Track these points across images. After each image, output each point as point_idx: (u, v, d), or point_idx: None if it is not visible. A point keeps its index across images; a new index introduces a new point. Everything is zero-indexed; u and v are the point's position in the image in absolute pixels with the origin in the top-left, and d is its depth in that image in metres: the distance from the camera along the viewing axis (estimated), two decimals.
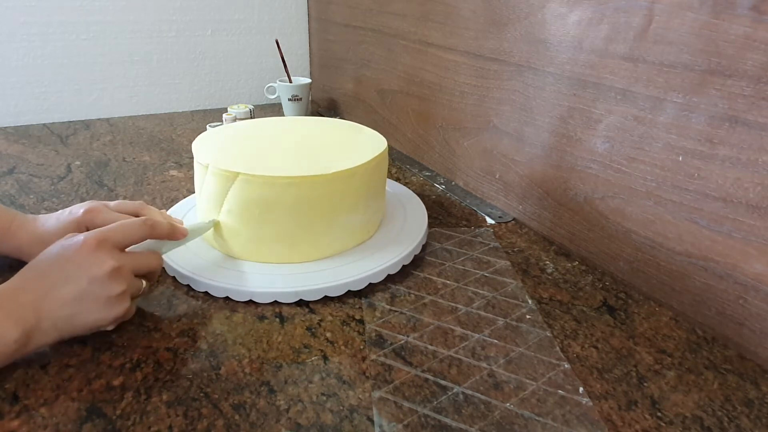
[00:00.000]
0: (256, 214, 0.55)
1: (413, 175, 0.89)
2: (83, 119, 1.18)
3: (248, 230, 0.56)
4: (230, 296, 0.53)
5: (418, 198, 0.73)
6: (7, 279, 0.55)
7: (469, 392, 0.43)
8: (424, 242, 0.64)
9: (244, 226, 0.56)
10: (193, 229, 0.55)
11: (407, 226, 0.65)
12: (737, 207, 0.46)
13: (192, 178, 0.85)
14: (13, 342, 0.40)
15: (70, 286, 0.42)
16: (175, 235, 0.52)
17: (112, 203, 0.59)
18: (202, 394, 0.42)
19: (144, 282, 0.49)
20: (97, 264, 0.43)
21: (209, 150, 0.60)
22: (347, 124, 0.71)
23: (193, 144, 0.62)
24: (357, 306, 0.53)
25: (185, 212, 0.68)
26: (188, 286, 0.55)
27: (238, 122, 0.71)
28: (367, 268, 0.56)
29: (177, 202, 0.74)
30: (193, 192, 0.79)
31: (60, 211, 0.57)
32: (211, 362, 0.45)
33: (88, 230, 0.56)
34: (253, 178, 0.54)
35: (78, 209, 0.56)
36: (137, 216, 0.59)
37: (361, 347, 0.48)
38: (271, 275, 0.55)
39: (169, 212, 0.67)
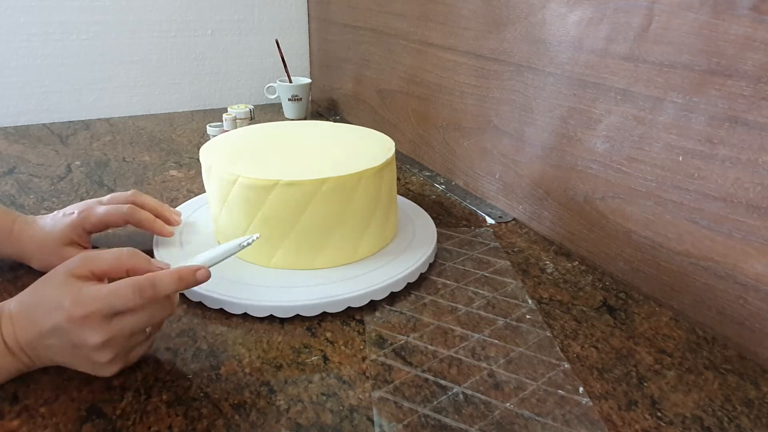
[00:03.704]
0: (300, 220, 0.54)
1: (413, 175, 0.89)
2: (83, 119, 1.18)
3: (288, 239, 0.55)
4: (248, 312, 0.51)
5: (421, 209, 0.71)
6: (7, 278, 0.55)
7: (469, 392, 0.43)
8: (434, 254, 0.62)
9: (283, 235, 0.54)
10: (220, 254, 0.45)
11: (416, 237, 0.63)
12: (737, 207, 0.46)
13: (192, 177, 0.85)
14: (13, 370, 0.41)
15: (59, 343, 0.39)
16: (188, 284, 0.41)
17: (105, 198, 0.58)
18: (202, 394, 0.42)
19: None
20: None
21: (233, 158, 0.58)
22: (334, 125, 0.71)
23: (203, 153, 0.59)
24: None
25: (190, 213, 0.67)
26: None
27: (240, 129, 0.69)
28: (393, 273, 0.55)
29: (177, 202, 0.74)
30: (193, 192, 0.79)
31: (56, 212, 0.57)
32: (211, 362, 0.45)
33: (85, 230, 0.56)
34: (293, 184, 0.52)
35: (72, 210, 0.56)
36: (130, 204, 0.58)
37: (361, 347, 0.48)
38: (318, 286, 0.53)
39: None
